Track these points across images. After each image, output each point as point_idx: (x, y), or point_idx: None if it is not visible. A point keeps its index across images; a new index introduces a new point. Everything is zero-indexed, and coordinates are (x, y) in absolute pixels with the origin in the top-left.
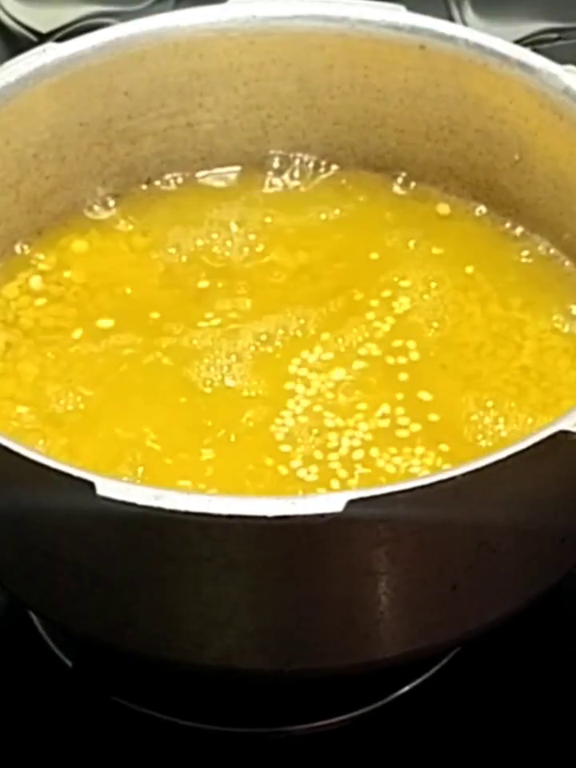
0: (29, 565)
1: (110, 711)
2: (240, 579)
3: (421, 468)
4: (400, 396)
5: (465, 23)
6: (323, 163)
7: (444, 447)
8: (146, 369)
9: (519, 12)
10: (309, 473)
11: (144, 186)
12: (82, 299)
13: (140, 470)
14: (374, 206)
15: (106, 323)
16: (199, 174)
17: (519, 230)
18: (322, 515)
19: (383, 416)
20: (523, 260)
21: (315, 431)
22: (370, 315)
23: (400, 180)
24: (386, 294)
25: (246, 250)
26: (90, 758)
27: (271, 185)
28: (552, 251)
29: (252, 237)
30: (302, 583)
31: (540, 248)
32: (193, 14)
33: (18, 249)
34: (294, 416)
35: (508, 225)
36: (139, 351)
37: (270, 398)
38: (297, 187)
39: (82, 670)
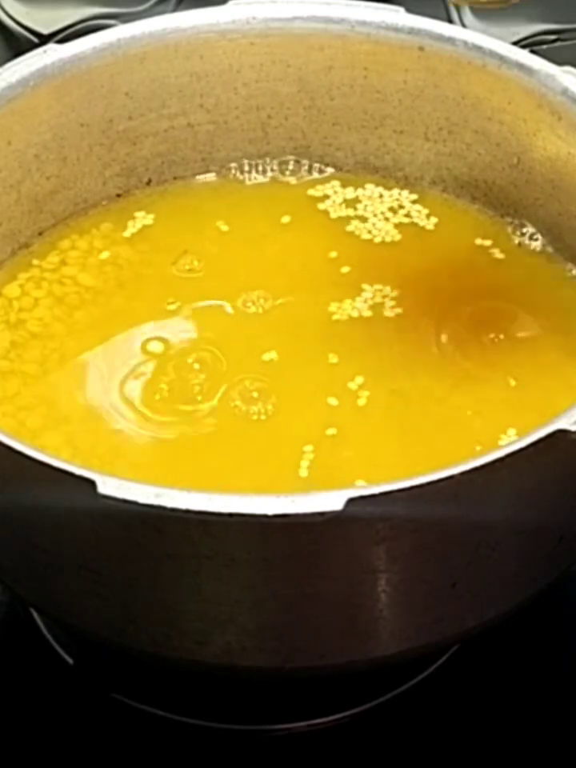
0: (30, 563)
1: (110, 708)
2: (240, 577)
3: None
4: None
5: (463, 25)
6: (323, 164)
7: None
8: (147, 368)
9: (517, 14)
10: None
11: (145, 187)
12: (84, 299)
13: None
14: (372, 208)
15: (107, 322)
16: (200, 175)
17: (517, 230)
18: (322, 514)
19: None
20: (521, 260)
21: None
22: (363, 311)
23: (396, 181)
24: (381, 289)
25: (246, 250)
26: (90, 754)
27: (271, 185)
28: (550, 251)
29: (252, 237)
30: (301, 581)
31: (538, 248)
32: (193, 15)
33: (19, 249)
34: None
35: (506, 225)
36: (140, 350)
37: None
38: (297, 188)
39: (83, 667)
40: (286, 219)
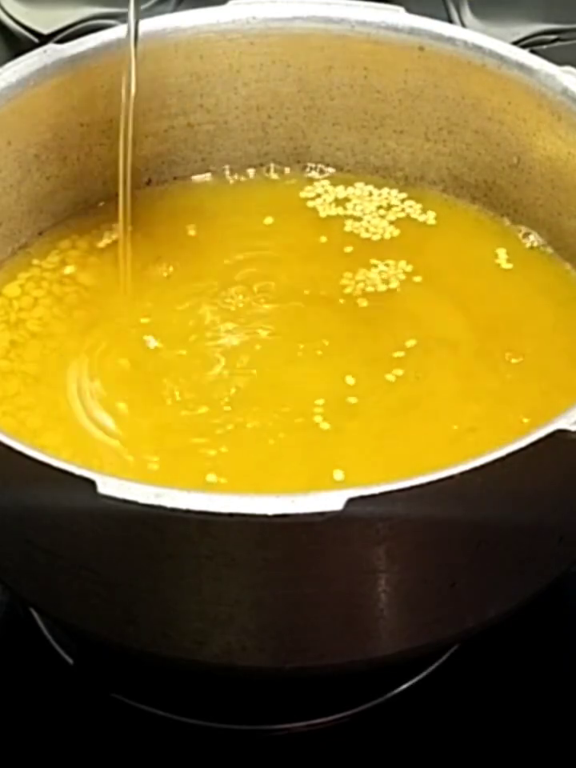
0: (30, 563)
1: (110, 708)
2: (240, 577)
3: None
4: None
5: (463, 25)
6: (323, 164)
7: None
8: (147, 366)
9: (517, 13)
10: None
11: (145, 187)
12: (84, 299)
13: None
14: (372, 206)
15: (107, 322)
16: (199, 175)
17: (517, 230)
18: (322, 513)
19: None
20: (521, 260)
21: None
22: (365, 310)
23: (396, 181)
24: (383, 288)
25: (246, 250)
26: (90, 754)
27: (271, 185)
28: (550, 251)
29: (252, 237)
30: (301, 581)
31: (538, 248)
32: (193, 15)
33: (19, 249)
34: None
35: (506, 225)
36: (140, 349)
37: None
38: (296, 188)
39: (83, 667)
40: (285, 218)
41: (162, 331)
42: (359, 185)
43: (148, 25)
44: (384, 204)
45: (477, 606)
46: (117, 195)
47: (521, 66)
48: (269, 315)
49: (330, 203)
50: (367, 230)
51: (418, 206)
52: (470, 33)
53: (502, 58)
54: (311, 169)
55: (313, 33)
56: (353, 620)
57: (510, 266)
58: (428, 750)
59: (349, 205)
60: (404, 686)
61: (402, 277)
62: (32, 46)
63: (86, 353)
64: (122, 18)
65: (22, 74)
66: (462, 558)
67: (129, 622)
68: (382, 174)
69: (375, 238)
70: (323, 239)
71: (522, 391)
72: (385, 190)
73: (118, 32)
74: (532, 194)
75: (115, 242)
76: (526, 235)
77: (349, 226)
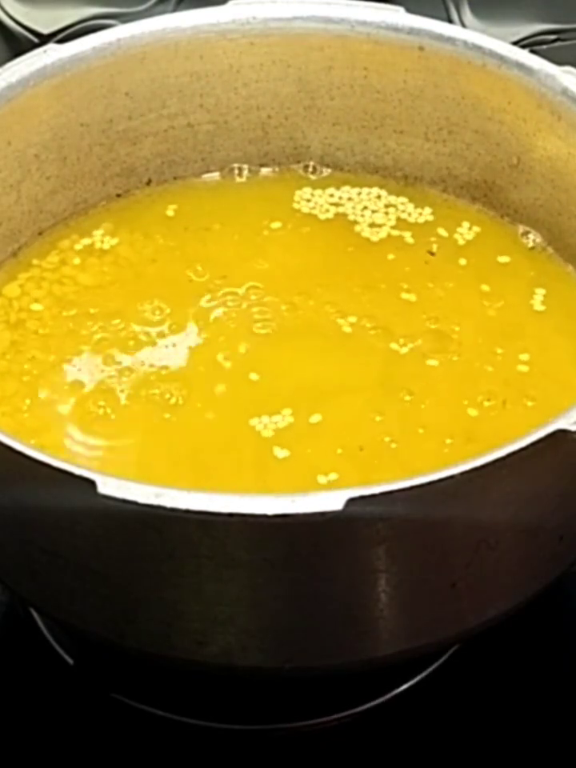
0: (30, 562)
1: (110, 708)
2: (240, 577)
3: None
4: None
5: (463, 25)
6: (323, 164)
7: None
8: (147, 367)
9: (517, 14)
10: None
11: (145, 187)
12: (83, 299)
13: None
14: (372, 208)
15: (106, 323)
16: (200, 175)
17: (517, 230)
18: (322, 514)
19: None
20: (521, 260)
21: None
22: (367, 311)
23: (396, 181)
24: (384, 288)
25: (246, 249)
26: (90, 754)
27: (271, 185)
28: (550, 251)
29: (252, 236)
30: (301, 581)
31: (538, 248)
32: (193, 15)
33: (19, 249)
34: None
35: (506, 225)
36: (141, 350)
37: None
38: (296, 188)
39: (83, 667)
40: (284, 218)
41: (162, 331)
42: (358, 185)
43: (148, 25)
44: (383, 204)
45: (477, 606)
46: (117, 195)
47: (521, 66)
48: (269, 315)
49: (330, 203)
50: (367, 229)
51: (418, 206)
52: (469, 33)
53: (502, 58)
54: (311, 169)
55: (313, 33)
56: (353, 620)
57: (509, 266)
58: (428, 750)
59: (348, 205)
60: (404, 686)
61: (402, 275)
62: (32, 46)
63: (85, 353)
64: (122, 17)
65: (22, 73)
66: (462, 558)
67: (128, 622)
68: (382, 174)
69: (375, 237)
70: (323, 239)
71: (521, 391)
72: (384, 190)
73: (117, 32)
74: (532, 194)
75: (115, 243)
76: (526, 235)
77: (348, 225)
